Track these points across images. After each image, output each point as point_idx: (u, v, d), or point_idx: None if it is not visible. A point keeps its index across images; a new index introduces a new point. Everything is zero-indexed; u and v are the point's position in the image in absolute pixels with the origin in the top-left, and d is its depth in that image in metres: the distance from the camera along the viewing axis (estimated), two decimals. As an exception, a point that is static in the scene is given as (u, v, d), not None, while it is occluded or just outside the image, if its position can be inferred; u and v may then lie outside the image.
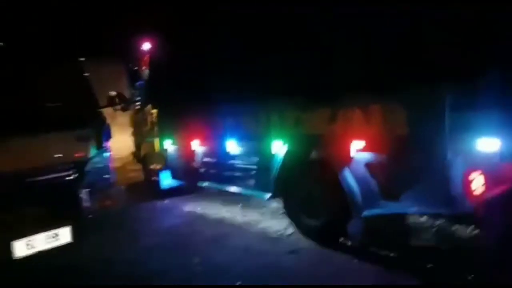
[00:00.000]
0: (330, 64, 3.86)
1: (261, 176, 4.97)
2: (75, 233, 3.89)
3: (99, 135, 4.52)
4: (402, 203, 3.59)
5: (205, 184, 6.07)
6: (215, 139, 5.64)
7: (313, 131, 4.19)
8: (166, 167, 6.98)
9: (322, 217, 4.28)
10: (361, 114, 3.70)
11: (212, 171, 5.94)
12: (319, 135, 4.11)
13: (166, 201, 6.83)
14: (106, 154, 4.58)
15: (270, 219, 5.27)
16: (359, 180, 3.87)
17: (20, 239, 3.63)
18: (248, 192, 5.25)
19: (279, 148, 4.63)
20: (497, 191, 3.32)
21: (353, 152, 3.81)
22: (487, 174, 3.25)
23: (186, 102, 5.96)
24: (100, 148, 4.49)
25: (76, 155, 4.20)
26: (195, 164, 6.24)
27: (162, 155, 7.09)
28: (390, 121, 3.49)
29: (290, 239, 4.51)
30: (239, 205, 6.03)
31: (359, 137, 3.75)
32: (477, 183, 3.22)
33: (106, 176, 4.49)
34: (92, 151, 4.36)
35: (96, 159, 4.41)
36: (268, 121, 4.70)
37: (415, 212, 3.47)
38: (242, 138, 5.20)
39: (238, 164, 5.41)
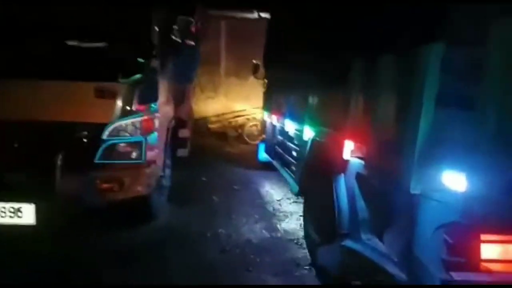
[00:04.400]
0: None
1: (297, 165, 4.24)
2: (40, 215, 2.94)
3: (143, 93, 3.35)
4: (383, 246, 2.39)
5: (274, 162, 5.65)
6: (282, 117, 5.10)
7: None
8: (263, 139, 6.81)
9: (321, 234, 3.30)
10: (354, 109, 2.60)
11: (278, 150, 5.46)
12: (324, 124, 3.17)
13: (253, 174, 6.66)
14: (137, 120, 3.26)
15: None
16: (349, 194, 2.78)
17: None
18: (290, 180, 4.56)
19: (309, 135, 3.78)
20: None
21: (346, 155, 2.73)
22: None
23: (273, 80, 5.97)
24: (130, 111, 3.25)
25: (91, 114, 3.10)
26: (274, 140, 5.86)
27: (262, 126, 6.98)
28: (377, 121, 2.31)
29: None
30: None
31: (351, 137, 2.65)
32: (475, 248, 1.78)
33: (133, 152, 3.24)
34: (118, 114, 3.18)
35: (124, 126, 3.20)
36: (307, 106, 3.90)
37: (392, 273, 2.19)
38: (294, 119, 4.51)
39: (290, 146, 4.76)
